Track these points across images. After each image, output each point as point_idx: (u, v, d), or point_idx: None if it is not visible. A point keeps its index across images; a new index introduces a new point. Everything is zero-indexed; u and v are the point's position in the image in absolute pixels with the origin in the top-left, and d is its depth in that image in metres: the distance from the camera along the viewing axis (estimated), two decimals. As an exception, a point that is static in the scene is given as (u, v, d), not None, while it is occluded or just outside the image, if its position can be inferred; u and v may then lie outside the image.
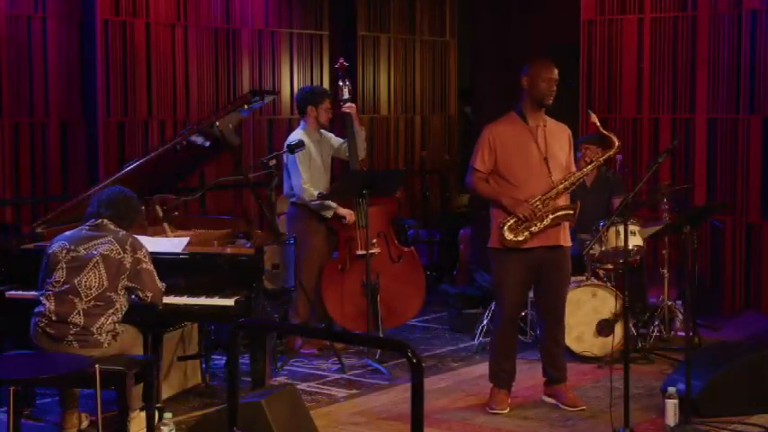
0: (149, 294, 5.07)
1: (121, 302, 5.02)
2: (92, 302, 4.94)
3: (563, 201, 5.73)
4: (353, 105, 7.19)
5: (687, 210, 6.42)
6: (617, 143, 5.70)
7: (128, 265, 4.99)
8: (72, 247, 5.00)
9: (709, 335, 7.45)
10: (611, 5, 8.80)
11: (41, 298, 5.02)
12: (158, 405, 5.33)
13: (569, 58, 9.07)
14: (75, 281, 4.94)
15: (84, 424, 5.35)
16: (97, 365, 4.62)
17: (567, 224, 5.75)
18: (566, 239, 5.77)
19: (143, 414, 5.15)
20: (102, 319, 4.95)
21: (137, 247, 5.05)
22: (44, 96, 7.95)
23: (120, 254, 4.98)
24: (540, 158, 5.67)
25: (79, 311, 4.92)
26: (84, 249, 4.99)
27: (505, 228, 5.63)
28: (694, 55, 8.48)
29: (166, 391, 5.81)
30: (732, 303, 8.40)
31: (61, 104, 8.06)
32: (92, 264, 4.95)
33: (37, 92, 7.91)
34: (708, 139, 8.47)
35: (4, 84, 7.69)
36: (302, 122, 7.14)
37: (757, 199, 8.22)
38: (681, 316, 7.38)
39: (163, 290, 5.16)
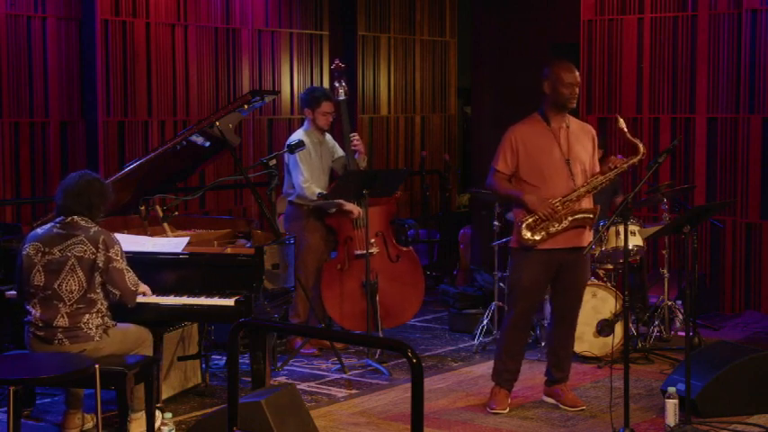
0: (117, 293, 5.04)
1: (101, 299, 5.02)
2: (74, 306, 4.94)
3: (585, 203, 5.69)
4: (360, 143, 7.14)
5: (690, 209, 6.41)
6: (642, 150, 5.62)
7: (101, 264, 4.96)
8: (46, 249, 4.97)
9: (709, 335, 7.45)
10: (611, 5, 8.80)
11: (28, 307, 5.02)
12: (158, 405, 5.33)
13: (569, 58, 9.07)
14: (56, 285, 4.93)
15: (89, 425, 5.35)
16: (97, 365, 4.62)
17: (588, 227, 5.73)
18: (587, 241, 5.72)
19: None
20: (87, 315, 4.96)
21: (109, 244, 5.00)
22: (44, 96, 7.96)
23: (93, 253, 4.95)
24: (561, 160, 5.64)
25: (63, 315, 4.93)
26: (59, 251, 4.95)
27: (524, 226, 5.61)
28: (694, 55, 8.48)
29: (166, 391, 5.81)
30: (732, 303, 8.40)
31: (61, 104, 8.06)
32: (68, 267, 4.93)
33: (37, 92, 7.91)
34: (708, 139, 8.47)
35: (4, 84, 7.70)
36: (305, 122, 7.14)
37: (757, 199, 8.23)
38: (681, 316, 7.38)
39: (134, 289, 5.10)
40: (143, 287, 5.21)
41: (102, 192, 5.13)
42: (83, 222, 5.02)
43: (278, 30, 9.54)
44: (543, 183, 5.64)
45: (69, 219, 5.02)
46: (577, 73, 5.70)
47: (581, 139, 5.74)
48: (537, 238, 5.60)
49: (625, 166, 5.69)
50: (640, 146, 5.64)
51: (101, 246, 4.97)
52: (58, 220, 5.06)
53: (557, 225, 5.60)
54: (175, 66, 8.65)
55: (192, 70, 8.77)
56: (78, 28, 8.13)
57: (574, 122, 5.79)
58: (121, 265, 5.04)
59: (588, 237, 5.72)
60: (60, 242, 4.97)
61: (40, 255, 4.97)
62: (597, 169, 5.78)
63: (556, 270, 5.72)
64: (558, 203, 5.58)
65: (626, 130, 5.55)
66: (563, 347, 5.90)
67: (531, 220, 5.61)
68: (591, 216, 5.67)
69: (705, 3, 8.39)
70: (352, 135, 7.13)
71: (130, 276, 5.08)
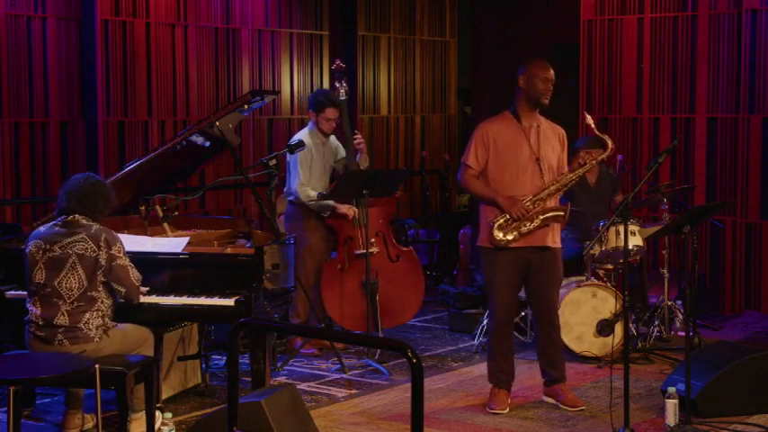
0: (123, 290, 5.05)
1: (102, 298, 5.02)
2: (74, 304, 4.94)
3: (553, 202, 5.74)
4: (363, 142, 7.16)
5: (690, 209, 6.41)
6: (611, 145, 5.70)
7: (103, 262, 4.97)
8: (48, 247, 4.97)
9: (709, 335, 7.45)
10: (611, 5, 8.80)
11: (28, 305, 5.03)
12: (158, 405, 5.33)
13: (569, 58, 9.09)
14: (56, 283, 4.94)
15: (89, 425, 5.35)
16: (97, 365, 4.62)
17: (556, 225, 5.76)
18: (554, 241, 5.76)
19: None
20: (87, 315, 4.96)
21: (111, 242, 5.01)
22: (44, 96, 7.96)
23: (95, 251, 4.96)
24: (532, 159, 5.67)
25: (63, 313, 4.93)
26: (60, 248, 4.96)
27: (495, 226, 5.63)
28: (694, 55, 8.48)
29: (166, 391, 5.81)
30: (732, 303, 8.40)
31: (61, 104, 8.06)
32: (69, 264, 4.93)
33: (37, 92, 7.91)
34: (708, 139, 8.47)
35: (4, 84, 7.70)
36: (310, 122, 7.14)
37: (757, 199, 8.23)
38: (681, 316, 7.38)
39: (138, 285, 5.11)
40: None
41: (107, 195, 5.15)
42: (84, 221, 5.03)
43: (278, 30, 9.54)
44: (513, 180, 5.66)
45: (71, 217, 5.03)
46: (552, 72, 5.71)
47: (550, 139, 5.77)
48: (509, 237, 5.63)
49: (593, 162, 5.76)
50: (608, 141, 5.70)
51: (102, 244, 4.97)
52: (59, 218, 5.07)
53: (528, 224, 5.62)
54: (175, 66, 8.65)
55: (192, 70, 8.77)
56: (78, 28, 8.13)
57: (544, 122, 5.82)
58: (125, 261, 5.05)
59: (554, 235, 5.74)
60: (61, 239, 4.97)
61: (41, 252, 4.98)
62: (566, 169, 5.81)
63: (526, 268, 5.74)
64: (529, 203, 5.59)
65: (593, 126, 5.60)
66: (552, 345, 5.90)
67: (502, 220, 5.63)
68: (562, 214, 5.69)
69: (705, 3, 8.39)
70: (354, 135, 7.13)
71: (134, 272, 5.09)
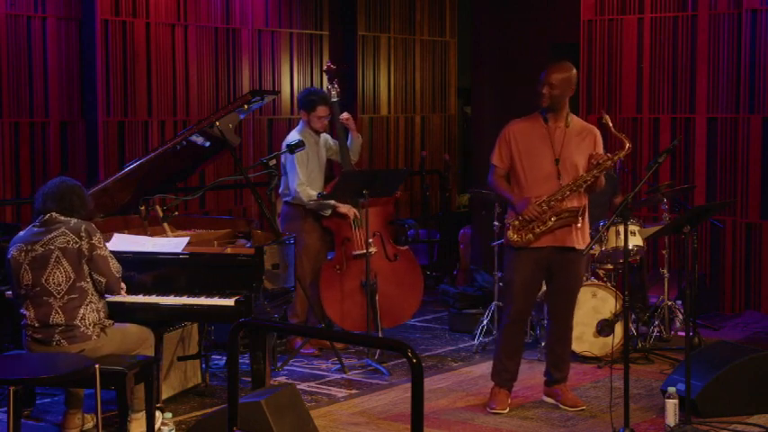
0: (103, 280, 5.05)
1: (92, 290, 5.02)
2: (65, 298, 4.95)
3: (575, 202, 5.68)
4: (350, 117, 7.17)
5: (690, 209, 6.41)
6: (628, 145, 5.64)
7: (85, 251, 4.98)
8: (29, 247, 4.98)
9: (709, 335, 7.45)
10: (611, 5, 8.80)
11: (22, 310, 5.03)
12: (158, 405, 5.33)
13: (569, 58, 9.08)
14: (43, 280, 4.94)
15: (89, 425, 5.35)
16: (97, 365, 4.63)
17: (584, 227, 5.73)
18: (579, 242, 5.71)
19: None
20: (82, 310, 4.96)
21: (91, 232, 5.02)
22: (44, 96, 7.95)
23: (76, 242, 4.97)
24: (551, 159, 5.65)
25: (56, 310, 4.93)
26: (41, 246, 4.96)
27: (510, 228, 5.65)
28: (694, 55, 8.48)
29: (166, 391, 5.81)
30: (732, 303, 8.40)
31: (61, 104, 8.06)
32: (53, 259, 4.94)
33: (37, 92, 7.91)
34: (708, 139, 8.47)
35: (4, 84, 7.70)
36: (300, 122, 7.14)
37: (757, 199, 8.23)
38: (681, 316, 7.38)
39: (119, 276, 5.11)
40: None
41: (83, 196, 5.18)
42: (62, 217, 5.05)
43: (278, 30, 9.54)
44: (533, 181, 5.66)
45: (48, 216, 5.05)
46: (563, 74, 5.63)
47: (578, 140, 5.72)
48: (524, 239, 5.62)
49: (609, 162, 5.66)
50: (626, 141, 5.65)
51: (83, 234, 4.99)
52: (37, 220, 5.09)
53: (541, 226, 5.61)
54: (175, 66, 8.65)
55: (192, 70, 8.77)
56: (78, 28, 8.13)
57: (576, 122, 5.78)
58: (105, 252, 5.06)
59: (576, 236, 5.70)
60: (42, 238, 4.99)
61: (23, 254, 4.99)
62: None
63: (547, 268, 5.74)
64: (544, 204, 5.58)
65: (611, 125, 5.56)
66: (561, 346, 5.91)
67: (517, 222, 5.63)
68: (575, 214, 5.65)
69: (705, 3, 8.39)
70: (342, 114, 7.12)
71: (114, 264, 5.11)
